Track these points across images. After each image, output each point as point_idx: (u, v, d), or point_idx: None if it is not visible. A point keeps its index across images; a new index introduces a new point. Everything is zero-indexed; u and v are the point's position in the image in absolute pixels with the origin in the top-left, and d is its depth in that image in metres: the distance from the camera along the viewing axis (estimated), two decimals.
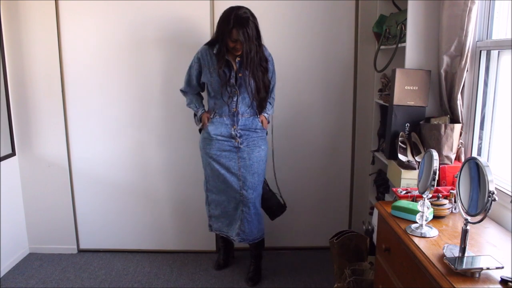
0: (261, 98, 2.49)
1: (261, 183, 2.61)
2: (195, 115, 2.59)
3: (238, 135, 2.48)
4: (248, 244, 2.70)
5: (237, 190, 2.53)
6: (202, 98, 2.64)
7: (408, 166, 2.04)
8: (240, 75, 2.41)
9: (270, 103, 2.58)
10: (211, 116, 2.51)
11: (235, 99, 2.44)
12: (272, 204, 2.72)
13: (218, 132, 2.49)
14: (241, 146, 2.49)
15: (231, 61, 2.41)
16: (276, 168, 2.86)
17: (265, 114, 2.56)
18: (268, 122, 2.61)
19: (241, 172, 2.51)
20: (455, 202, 1.72)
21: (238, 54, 2.37)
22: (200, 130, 2.60)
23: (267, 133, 2.63)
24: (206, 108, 2.62)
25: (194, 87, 2.57)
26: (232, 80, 2.41)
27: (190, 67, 2.53)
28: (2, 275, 2.77)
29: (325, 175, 3.02)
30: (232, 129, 2.48)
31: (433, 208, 1.68)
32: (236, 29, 2.27)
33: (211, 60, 2.43)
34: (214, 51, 2.41)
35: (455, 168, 1.94)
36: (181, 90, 2.63)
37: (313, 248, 3.09)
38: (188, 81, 2.56)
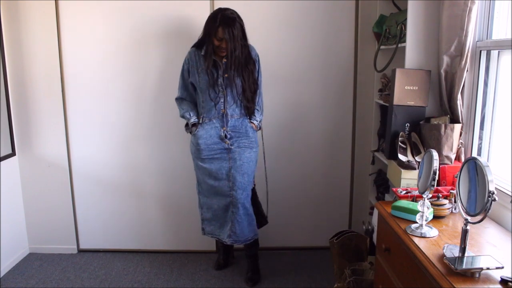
0: (247, 99, 2.48)
1: (251, 184, 2.60)
2: (187, 124, 2.56)
3: (228, 136, 2.48)
4: (243, 245, 2.71)
5: (227, 191, 2.53)
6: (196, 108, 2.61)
7: (408, 166, 2.04)
8: (226, 75, 2.42)
9: (257, 110, 2.56)
10: (200, 122, 2.50)
11: (222, 100, 2.45)
12: (258, 214, 2.71)
13: (208, 136, 2.48)
14: (232, 147, 2.49)
15: (218, 62, 2.42)
16: (276, 169, 2.86)
17: (254, 122, 2.55)
18: (260, 128, 2.61)
19: (231, 173, 2.51)
20: (455, 202, 1.72)
21: (223, 55, 2.39)
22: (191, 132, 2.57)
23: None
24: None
25: (190, 92, 2.56)
26: (220, 80, 2.42)
27: (182, 72, 2.54)
28: (2, 275, 2.77)
29: (325, 175, 3.02)
30: (222, 130, 2.48)
31: (433, 208, 1.68)
32: (222, 27, 2.30)
33: (199, 61, 2.45)
34: (202, 53, 2.43)
35: (455, 168, 1.94)
36: (177, 99, 2.59)
37: (313, 248, 3.09)
38: (184, 86, 2.55)
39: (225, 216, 2.59)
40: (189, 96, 2.57)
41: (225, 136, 2.48)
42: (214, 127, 2.48)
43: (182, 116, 2.56)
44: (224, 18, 2.31)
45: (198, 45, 2.48)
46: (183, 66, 2.53)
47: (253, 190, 2.69)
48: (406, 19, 2.15)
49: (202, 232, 2.73)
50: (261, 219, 2.74)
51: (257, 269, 2.74)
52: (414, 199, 1.75)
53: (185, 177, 2.98)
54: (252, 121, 2.54)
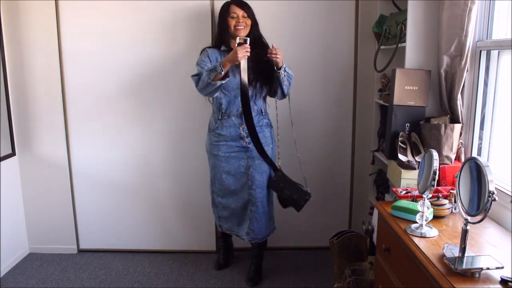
0: (264, 75, 2.41)
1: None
2: (209, 77, 2.30)
3: (246, 134, 2.48)
4: (251, 244, 2.71)
5: (246, 190, 2.53)
6: None
7: (408, 166, 2.04)
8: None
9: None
10: (219, 118, 2.48)
11: (240, 98, 2.44)
12: (294, 194, 2.53)
13: (227, 133, 2.48)
14: (250, 146, 2.49)
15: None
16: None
17: (284, 72, 2.39)
18: (280, 67, 2.40)
19: (250, 171, 2.50)
20: (455, 202, 1.72)
21: (240, 35, 2.34)
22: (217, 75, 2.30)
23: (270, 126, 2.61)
24: (210, 115, 2.60)
25: None
26: (238, 78, 2.41)
27: (201, 62, 2.43)
28: (2, 275, 2.77)
29: (325, 175, 3.02)
30: (241, 128, 2.47)
31: (433, 208, 1.68)
32: (235, 4, 2.35)
33: (221, 57, 2.41)
34: (222, 48, 2.45)
35: (455, 168, 1.94)
36: (194, 75, 2.41)
37: (313, 248, 3.09)
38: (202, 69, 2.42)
39: (243, 214, 2.59)
40: None
41: (244, 135, 2.47)
42: (232, 124, 2.47)
43: (201, 75, 2.34)
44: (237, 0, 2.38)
45: (214, 46, 2.50)
46: (201, 59, 2.43)
47: (280, 172, 2.56)
48: (406, 19, 2.15)
49: (219, 228, 2.73)
50: (300, 197, 2.52)
51: (260, 270, 2.74)
52: (414, 199, 1.75)
53: (186, 177, 2.98)
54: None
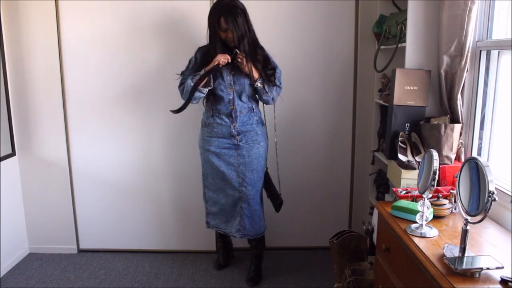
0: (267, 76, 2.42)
1: (261, 179, 2.61)
2: (195, 85, 2.36)
3: (237, 133, 2.48)
4: (249, 244, 2.71)
5: (236, 187, 2.53)
6: None
7: (408, 166, 2.04)
8: (233, 73, 2.42)
9: (275, 88, 2.49)
10: (211, 115, 2.50)
11: (230, 97, 2.44)
12: (271, 195, 2.70)
13: (219, 131, 2.49)
14: (240, 144, 2.50)
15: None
16: (276, 168, 2.86)
17: (260, 84, 2.41)
18: (271, 98, 2.49)
19: (240, 169, 2.51)
20: (455, 202, 1.72)
21: (233, 45, 2.37)
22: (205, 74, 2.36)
23: (264, 124, 2.60)
24: (201, 116, 2.61)
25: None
26: (229, 77, 2.41)
27: (188, 68, 2.50)
28: (2, 275, 2.77)
29: (325, 175, 3.02)
30: (232, 126, 2.48)
31: (433, 208, 1.68)
32: (224, 17, 2.28)
33: (209, 59, 2.41)
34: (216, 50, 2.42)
35: (455, 168, 1.94)
36: (181, 76, 2.48)
37: (313, 248, 3.09)
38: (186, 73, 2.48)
39: (232, 211, 2.59)
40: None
41: (235, 133, 2.48)
42: (224, 122, 2.48)
43: (185, 85, 2.40)
44: (224, 7, 2.31)
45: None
46: (189, 63, 2.49)
47: (267, 174, 2.67)
48: (406, 19, 2.15)
49: (206, 225, 2.72)
50: (277, 200, 2.69)
51: (260, 270, 2.74)
52: (414, 199, 1.75)
53: (186, 177, 2.98)
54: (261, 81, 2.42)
